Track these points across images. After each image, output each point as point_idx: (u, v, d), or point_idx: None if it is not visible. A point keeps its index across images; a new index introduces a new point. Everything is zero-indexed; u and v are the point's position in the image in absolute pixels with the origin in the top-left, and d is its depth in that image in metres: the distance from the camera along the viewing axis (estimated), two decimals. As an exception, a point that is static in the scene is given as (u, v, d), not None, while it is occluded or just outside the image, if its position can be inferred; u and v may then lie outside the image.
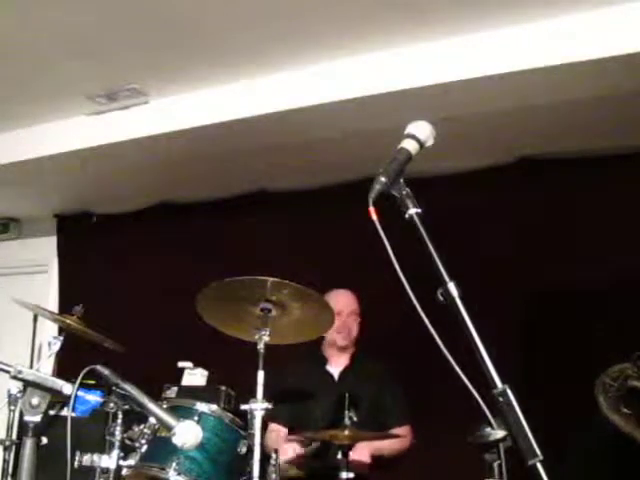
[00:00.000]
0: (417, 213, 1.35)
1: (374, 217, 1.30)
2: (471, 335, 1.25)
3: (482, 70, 2.93)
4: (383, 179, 1.36)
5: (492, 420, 1.27)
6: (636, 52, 2.66)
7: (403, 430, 3.10)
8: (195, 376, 4.01)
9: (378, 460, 2.97)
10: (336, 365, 3.26)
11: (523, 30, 2.87)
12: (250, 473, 2.32)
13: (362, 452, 2.90)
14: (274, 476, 2.56)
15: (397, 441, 3.03)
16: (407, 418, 3.15)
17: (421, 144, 1.44)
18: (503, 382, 1.23)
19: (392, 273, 1.28)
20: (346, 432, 2.59)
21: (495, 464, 1.30)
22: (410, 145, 1.44)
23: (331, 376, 3.23)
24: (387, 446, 3.01)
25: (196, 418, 2.47)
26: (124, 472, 2.45)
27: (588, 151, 3.50)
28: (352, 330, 3.23)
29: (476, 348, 1.24)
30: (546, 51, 2.82)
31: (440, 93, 3.04)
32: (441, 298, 1.29)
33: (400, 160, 1.41)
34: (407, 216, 1.35)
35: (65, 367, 4.20)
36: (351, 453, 2.76)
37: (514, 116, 3.27)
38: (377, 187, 1.35)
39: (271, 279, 2.45)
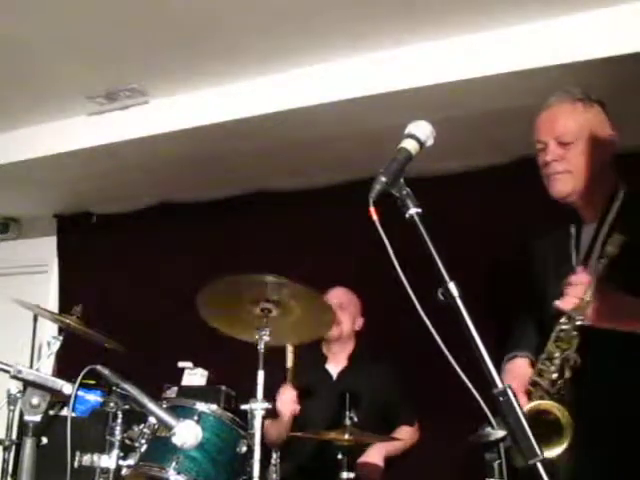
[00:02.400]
0: (417, 213, 1.35)
1: (374, 217, 1.31)
2: (471, 335, 1.25)
3: (482, 70, 2.93)
4: (383, 179, 1.36)
5: (492, 420, 1.27)
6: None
7: (411, 428, 3.13)
8: (195, 376, 4.01)
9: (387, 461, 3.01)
10: (335, 364, 3.26)
11: (523, 30, 2.87)
12: (250, 473, 2.32)
13: (375, 456, 2.95)
14: (274, 476, 2.57)
15: (404, 441, 3.06)
16: (414, 416, 3.19)
17: (421, 144, 1.45)
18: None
19: (391, 272, 1.28)
20: (346, 435, 2.59)
21: (495, 464, 1.30)
22: (410, 145, 1.44)
23: (330, 375, 3.24)
24: (397, 447, 3.06)
25: (196, 418, 2.47)
26: (124, 472, 2.45)
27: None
28: (341, 321, 3.20)
29: (476, 348, 1.24)
30: (544, 51, 2.82)
31: (440, 93, 3.03)
32: (442, 298, 1.29)
33: (400, 160, 1.41)
34: (407, 216, 1.35)
35: (65, 367, 4.20)
36: (363, 457, 2.84)
37: (513, 116, 3.26)
38: (377, 187, 1.35)
39: (271, 279, 2.45)
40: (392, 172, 1.38)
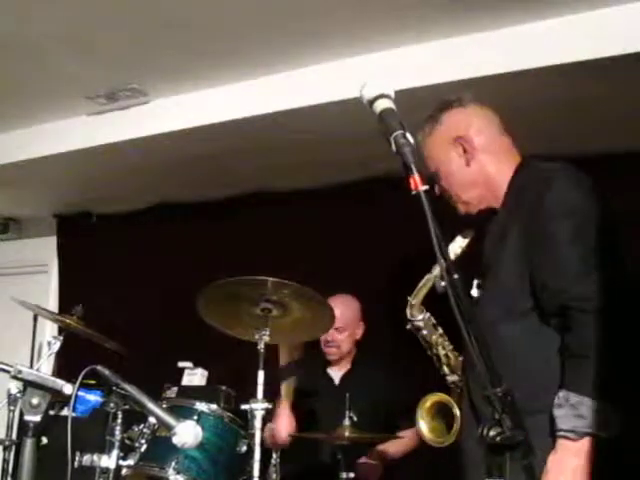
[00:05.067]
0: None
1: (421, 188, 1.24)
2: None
3: (475, 71, 2.92)
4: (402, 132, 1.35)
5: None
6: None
7: (412, 431, 3.12)
8: (195, 376, 4.02)
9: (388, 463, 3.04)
10: (338, 369, 3.24)
11: (519, 31, 2.87)
12: (250, 473, 2.32)
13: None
14: (274, 476, 2.57)
15: (404, 443, 3.05)
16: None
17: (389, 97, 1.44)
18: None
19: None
20: (346, 433, 2.59)
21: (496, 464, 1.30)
22: (388, 103, 1.44)
23: (331, 380, 3.22)
24: (397, 449, 3.08)
25: (196, 417, 2.48)
26: (124, 472, 2.46)
27: (586, 151, 3.49)
28: (342, 344, 3.17)
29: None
30: (540, 52, 2.82)
31: (440, 92, 3.03)
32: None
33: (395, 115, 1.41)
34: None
35: (65, 367, 4.20)
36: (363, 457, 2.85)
37: (509, 117, 3.26)
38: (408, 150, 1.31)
39: (271, 279, 2.45)
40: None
